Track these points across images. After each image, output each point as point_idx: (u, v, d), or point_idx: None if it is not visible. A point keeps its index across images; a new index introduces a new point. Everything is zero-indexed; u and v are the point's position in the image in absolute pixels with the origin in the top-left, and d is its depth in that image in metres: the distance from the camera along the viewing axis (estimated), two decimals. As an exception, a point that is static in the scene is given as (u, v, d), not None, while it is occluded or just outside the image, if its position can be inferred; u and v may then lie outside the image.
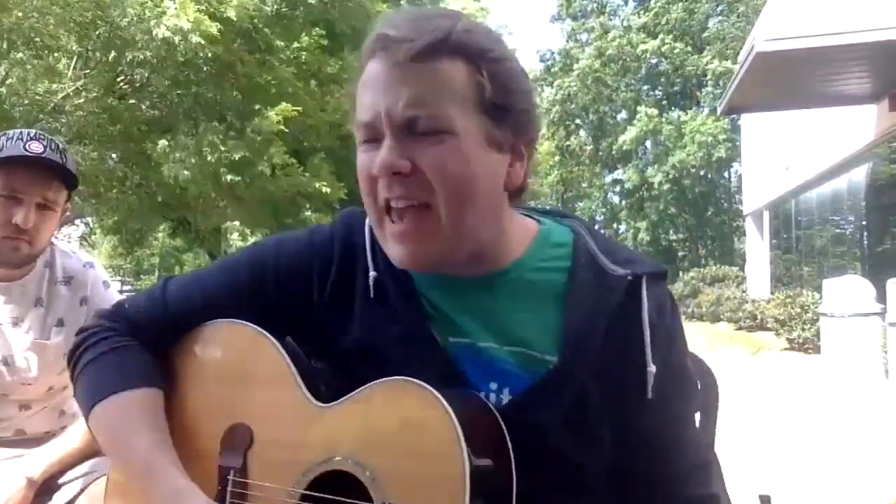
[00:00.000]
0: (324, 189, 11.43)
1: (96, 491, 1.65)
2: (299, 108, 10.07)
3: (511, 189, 0.98)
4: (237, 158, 9.30)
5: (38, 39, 8.04)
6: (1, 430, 1.80)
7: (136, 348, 1.11)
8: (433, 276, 1.00)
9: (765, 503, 1.40)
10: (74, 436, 1.77)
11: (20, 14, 7.69)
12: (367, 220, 1.05)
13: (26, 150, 1.67)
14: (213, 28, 8.40)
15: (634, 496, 1.01)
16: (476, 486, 0.82)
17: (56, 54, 9.19)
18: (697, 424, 1.15)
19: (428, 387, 0.87)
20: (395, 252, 0.96)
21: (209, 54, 8.64)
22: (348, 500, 0.90)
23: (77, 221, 13.91)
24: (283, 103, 9.89)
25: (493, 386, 0.98)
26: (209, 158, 9.15)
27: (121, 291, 1.93)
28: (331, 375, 1.03)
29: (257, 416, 1.02)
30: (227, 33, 8.80)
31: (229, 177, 9.44)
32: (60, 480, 1.72)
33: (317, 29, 11.36)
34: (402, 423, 0.89)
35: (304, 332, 1.06)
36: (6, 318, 1.77)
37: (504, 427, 0.89)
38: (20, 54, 8.30)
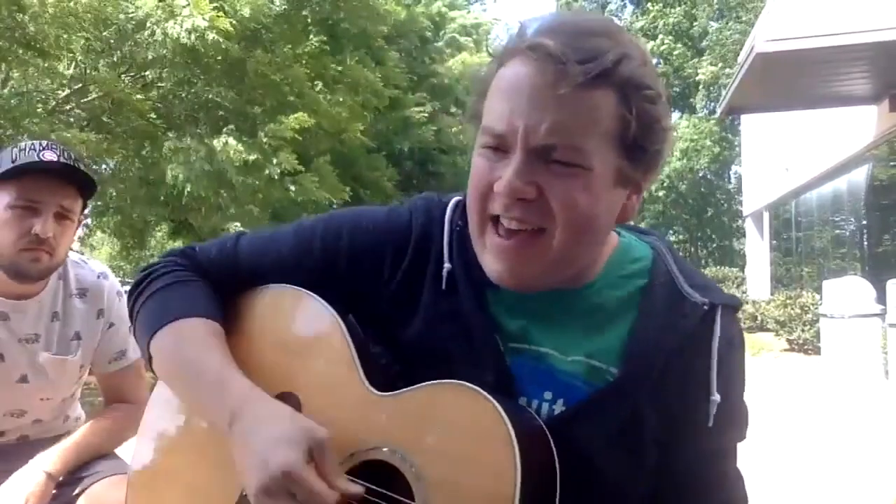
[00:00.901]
0: (327, 199, 11.44)
1: (97, 491, 1.66)
2: (312, 121, 10.03)
3: (622, 220, 0.96)
4: (249, 161, 9.23)
5: (44, 44, 7.99)
6: (5, 437, 1.80)
7: (205, 287, 1.09)
8: None
9: None
10: (90, 431, 1.77)
11: (25, 17, 7.65)
12: (447, 212, 1.03)
13: (40, 159, 1.65)
14: (228, 24, 8.33)
15: None
16: None
17: (60, 59, 9.15)
18: None
19: (495, 402, 0.85)
20: (493, 266, 0.92)
21: (220, 54, 8.57)
22: (390, 494, 0.89)
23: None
24: (301, 113, 9.84)
25: (548, 395, 0.96)
26: (220, 157, 9.08)
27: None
28: (388, 362, 1.02)
29: (309, 389, 1.01)
30: (238, 30, 8.73)
31: (235, 178, 9.36)
32: (61, 479, 1.71)
33: (321, 36, 11.32)
34: (461, 431, 0.87)
35: (367, 313, 1.04)
36: (24, 336, 1.75)
37: (555, 453, 0.88)
38: (25, 56, 8.26)
